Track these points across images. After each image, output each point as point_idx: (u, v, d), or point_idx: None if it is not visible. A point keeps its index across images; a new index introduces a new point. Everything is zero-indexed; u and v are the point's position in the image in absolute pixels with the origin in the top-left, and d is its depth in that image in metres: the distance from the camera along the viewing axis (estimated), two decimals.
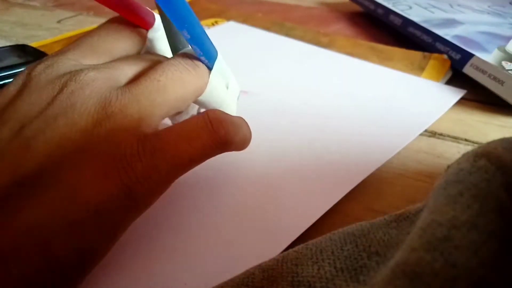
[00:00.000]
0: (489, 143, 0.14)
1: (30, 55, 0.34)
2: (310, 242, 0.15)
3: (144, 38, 0.20)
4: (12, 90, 0.16)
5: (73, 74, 0.16)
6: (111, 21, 0.20)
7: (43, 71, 0.17)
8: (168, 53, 0.21)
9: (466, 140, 0.27)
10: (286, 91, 0.31)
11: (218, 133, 0.17)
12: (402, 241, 0.14)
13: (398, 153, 0.25)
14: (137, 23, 0.20)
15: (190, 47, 0.18)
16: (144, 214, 0.16)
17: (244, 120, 0.19)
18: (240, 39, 0.42)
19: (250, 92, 0.31)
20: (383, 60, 0.38)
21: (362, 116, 0.28)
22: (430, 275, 0.10)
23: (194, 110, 0.21)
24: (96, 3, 0.55)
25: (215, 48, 0.20)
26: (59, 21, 0.49)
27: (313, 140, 0.25)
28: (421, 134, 0.27)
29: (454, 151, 0.26)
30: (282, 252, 0.17)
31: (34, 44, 0.39)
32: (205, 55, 0.19)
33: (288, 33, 0.44)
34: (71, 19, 0.50)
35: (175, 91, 0.17)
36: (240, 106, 0.29)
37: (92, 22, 0.49)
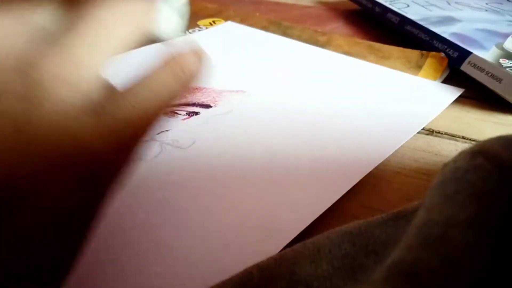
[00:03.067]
0: (485, 141, 0.14)
1: None
2: (308, 241, 0.15)
3: None
4: None
5: None
6: None
7: None
8: None
9: (463, 137, 0.27)
10: (284, 90, 0.31)
11: (189, 84, 0.14)
12: (399, 239, 0.14)
13: (396, 151, 0.25)
14: None
15: None
16: (144, 214, 0.16)
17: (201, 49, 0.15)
18: (237, 39, 0.42)
19: (248, 92, 0.31)
20: (380, 59, 0.38)
21: (360, 115, 0.28)
22: (426, 273, 0.10)
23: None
24: None
25: None
26: None
27: (310, 140, 0.25)
28: (418, 132, 0.27)
29: (452, 149, 0.26)
30: (280, 251, 0.17)
31: None
32: None
33: (285, 32, 0.44)
34: None
35: (120, 33, 0.13)
36: (238, 106, 0.29)
37: None
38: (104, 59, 0.13)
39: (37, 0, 0.12)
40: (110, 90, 0.12)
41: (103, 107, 0.12)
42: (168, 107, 0.14)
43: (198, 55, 0.15)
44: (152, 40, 0.16)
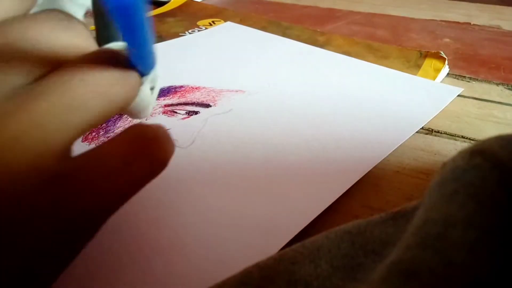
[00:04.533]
0: (484, 141, 0.14)
1: None
2: (307, 240, 0.15)
3: None
4: None
5: None
6: None
7: None
8: (80, 10, 0.15)
9: (462, 137, 0.27)
10: (283, 90, 0.31)
11: (158, 158, 0.13)
12: (399, 239, 0.14)
13: (395, 150, 0.25)
14: None
15: (120, 41, 0.14)
16: (142, 213, 0.16)
17: (164, 128, 0.14)
18: (237, 39, 0.42)
19: (247, 92, 0.31)
20: (379, 59, 0.38)
21: (359, 115, 0.28)
22: (425, 273, 0.10)
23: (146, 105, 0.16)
24: None
25: (154, 52, 0.14)
26: None
27: (310, 139, 0.25)
28: (417, 132, 0.27)
29: (451, 148, 0.26)
30: (279, 250, 0.17)
31: None
32: (143, 64, 0.14)
33: (284, 32, 0.44)
34: None
35: (95, 108, 0.12)
36: (238, 105, 0.29)
37: (89, 23, 0.49)
38: (72, 131, 0.11)
39: (14, 65, 0.11)
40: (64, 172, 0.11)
41: (52, 178, 0.11)
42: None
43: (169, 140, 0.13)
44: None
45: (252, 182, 0.22)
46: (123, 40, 0.13)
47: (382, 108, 0.29)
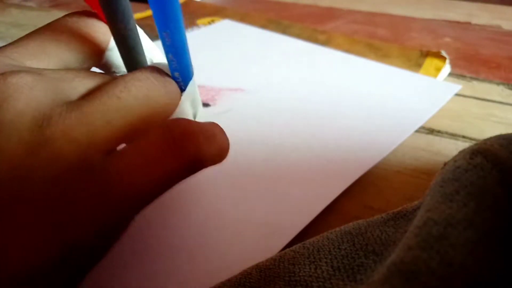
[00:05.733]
0: (485, 140, 0.14)
1: None
2: (307, 241, 0.15)
3: (104, 46, 0.16)
4: None
5: (5, 76, 0.12)
6: (71, 16, 0.15)
7: None
8: None
9: (463, 137, 0.27)
10: (283, 89, 0.31)
11: (186, 151, 0.13)
12: (399, 239, 0.14)
13: (396, 150, 0.25)
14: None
15: (155, 63, 0.15)
16: (143, 215, 0.16)
17: (217, 125, 0.15)
18: (236, 37, 0.42)
19: (247, 90, 0.31)
20: (380, 57, 0.38)
21: (359, 113, 0.28)
22: (426, 273, 0.10)
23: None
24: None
25: (192, 66, 0.16)
26: None
27: (309, 138, 0.25)
28: (418, 131, 0.27)
29: (452, 148, 0.26)
30: (279, 251, 0.17)
31: None
32: (181, 71, 0.15)
33: (285, 31, 0.44)
34: None
35: (136, 111, 0.13)
36: (237, 104, 0.29)
37: None
38: (116, 131, 0.13)
39: (70, 72, 0.14)
40: (106, 165, 0.12)
41: (98, 170, 0.12)
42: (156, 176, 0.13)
43: (210, 133, 0.14)
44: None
45: (252, 181, 0.22)
46: (165, 50, 0.14)
47: (382, 106, 0.29)
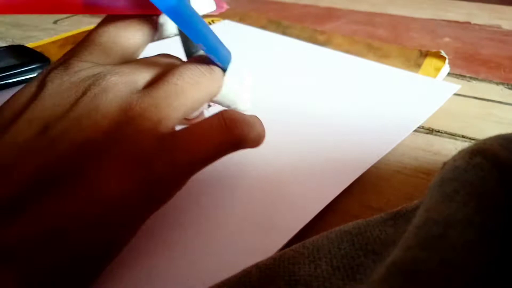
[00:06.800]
0: (484, 140, 0.14)
1: (26, 56, 0.34)
2: (307, 240, 0.15)
3: (153, 25, 0.20)
4: (30, 91, 0.17)
5: (96, 78, 0.17)
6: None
7: (62, 74, 0.17)
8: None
9: (463, 136, 0.27)
10: (283, 89, 0.31)
11: (233, 132, 0.17)
12: (399, 239, 0.14)
13: (395, 150, 0.25)
14: (147, 13, 0.20)
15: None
16: None
17: (258, 118, 0.20)
18: (236, 38, 0.42)
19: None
20: (380, 58, 0.38)
21: (359, 113, 0.28)
22: (425, 273, 0.10)
23: (204, 105, 0.22)
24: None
25: (228, 51, 0.21)
26: (55, 22, 0.49)
27: (309, 137, 0.25)
28: (418, 131, 0.27)
29: (451, 148, 0.26)
30: (279, 250, 0.17)
31: (30, 45, 0.39)
32: (219, 61, 0.19)
33: (284, 31, 0.44)
34: (67, 19, 0.50)
35: (191, 94, 0.18)
36: None
37: (88, 22, 0.49)
38: (178, 115, 0.17)
39: (137, 65, 0.18)
40: (173, 135, 0.17)
41: (168, 139, 0.16)
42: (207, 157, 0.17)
43: (251, 123, 0.19)
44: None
45: (251, 181, 0.22)
46: (192, 40, 0.18)
47: (381, 106, 0.29)
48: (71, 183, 0.14)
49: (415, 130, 0.26)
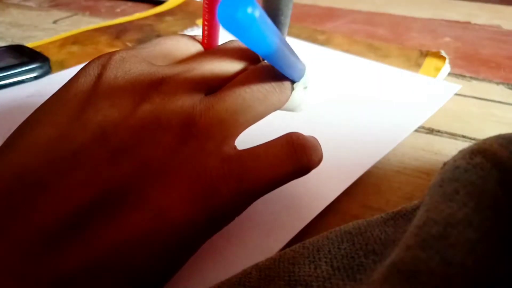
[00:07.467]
0: (484, 140, 0.14)
1: (26, 55, 0.34)
2: (307, 241, 0.15)
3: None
4: (86, 82, 0.16)
5: (157, 83, 0.16)
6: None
7: (117, 69, 0.16)
8: None
9: (463, 136, 0.27)
10: None
11: (301, 160, 0.16)
12: (399, 239, 0.14)
13: (396, 150, 0.25)
14: None
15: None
16: None
17: (316, 139, 0.18)
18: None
19: None
20: (380, 58, 0.38)
21: (359, 113, 0.28)
22: (425, 273, 0.10)
23: None
24: (92, 3, 0.55)
25: (303, 65, 0.19)
26: (55, 22, 0.49)
27: None
28: (418, 131, 0.27)
29: (452, 148, 0.26)
30: (279, 251, 0.17)
31: (30, 44, 0.39)
32: (293, 78, 0.18)
33: None
34: (67, 19, 0.50)
35: (258, 110, 0.17)
36: None
37: (88, 22, 0.49)
38: (241, 126, 0.16)
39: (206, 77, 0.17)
40: (239, 157, 0.16)
41: (234, 161, 0.15)
42: (273, 181, 0.16)
43: (315, 147, 0.17)
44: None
45: None
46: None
47: (381, 106, 0.29)
48: (134, 206, 0.13)
49: (415, 130, 0.26)
